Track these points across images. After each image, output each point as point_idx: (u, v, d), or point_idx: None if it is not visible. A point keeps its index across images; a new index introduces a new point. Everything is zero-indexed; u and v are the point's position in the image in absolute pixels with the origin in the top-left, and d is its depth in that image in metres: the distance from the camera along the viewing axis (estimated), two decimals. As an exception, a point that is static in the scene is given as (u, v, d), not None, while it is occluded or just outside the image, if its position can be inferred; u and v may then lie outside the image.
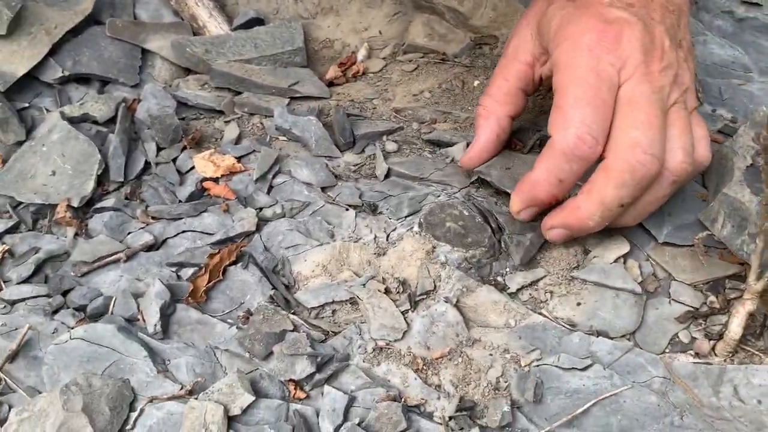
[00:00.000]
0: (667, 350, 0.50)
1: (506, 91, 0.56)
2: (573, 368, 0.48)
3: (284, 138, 0.68)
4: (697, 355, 0.49)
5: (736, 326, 0.48)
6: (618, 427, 0.46)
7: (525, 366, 0.48)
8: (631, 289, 0.52)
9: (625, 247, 0.54)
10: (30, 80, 0.70)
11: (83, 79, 0.72)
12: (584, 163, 0.49)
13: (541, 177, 0.51)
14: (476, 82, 0.72)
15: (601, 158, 0.50)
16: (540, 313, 0.51)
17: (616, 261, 0.54)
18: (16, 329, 0.53)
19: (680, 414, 0.46)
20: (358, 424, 0.46)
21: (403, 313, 0.51)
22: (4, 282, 0.57)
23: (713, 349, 0.49)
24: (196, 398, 0.47)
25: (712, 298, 0.52)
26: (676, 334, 0.50)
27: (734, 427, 0.45)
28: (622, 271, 0.53)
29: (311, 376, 0.49)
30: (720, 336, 0.50)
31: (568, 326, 0.50)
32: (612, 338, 0.50)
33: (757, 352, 0.49)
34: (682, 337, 0.50)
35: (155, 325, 0.52)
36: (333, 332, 0.52)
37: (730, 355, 0.49)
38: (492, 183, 0.57)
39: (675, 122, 0.51)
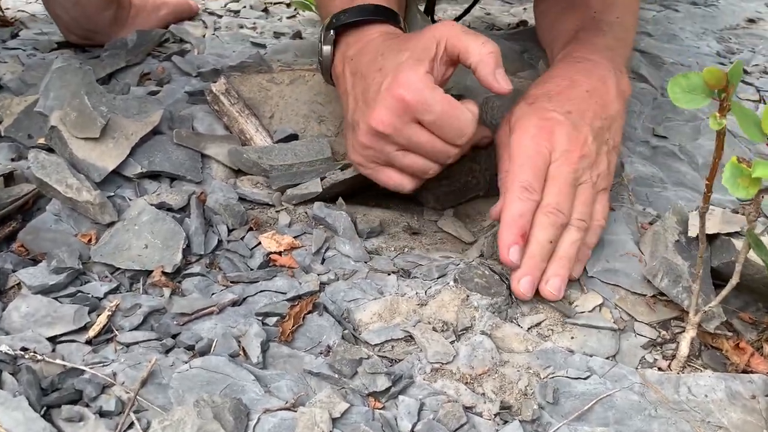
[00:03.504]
0: (638, 368, 0.69)
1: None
2: (578, 378, 0.66)
3: (322, 225, 0.86)
4: (659, 369, 0.69)
5: (684, 348, 0.69)
6: (613, 418, 0.64)
7: (544, 378, 0.66)
8: (610, 327, 0.72)
9: (599, 299, 0.75)
10: (113, 175, 0.85)
11: (155, 176, 0.88)
12: (533, 204, 0.72)
13: (507, 208, 0.72)
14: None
15: None
16: (548, 341, 0.70)
17: (593, 309, 0.74)
18: (140, 363, 0.66)
19: (655, 407, 0.65)
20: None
21: (451, 343, 0.68)
22: (118, 330, 0.70)
23: (669, 365, 0.69)
24: (303, 406, 0.62)
25: (664, 332, 0.73)
26: (643, 356, 0.70)
27: (690, 415, 0.64)
28: (600, 316, 0.73)
29: (388, 389, 0.64)
30: (673, 357, 0.70)
31: (568, 351, 0.69)
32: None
33: (698, 366, 0.69)
34: (647, 358, 0.70)
35: (258, 356, 0.67)
36: (397, 359, 0.68)
37: (682, 369, 0.69)
38: None
39: (579, 195, 0.75)
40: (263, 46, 1.16)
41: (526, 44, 1.15)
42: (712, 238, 0.77)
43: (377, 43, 0.82)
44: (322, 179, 0.87)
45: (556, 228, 0.73)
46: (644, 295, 0.76)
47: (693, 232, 0.76)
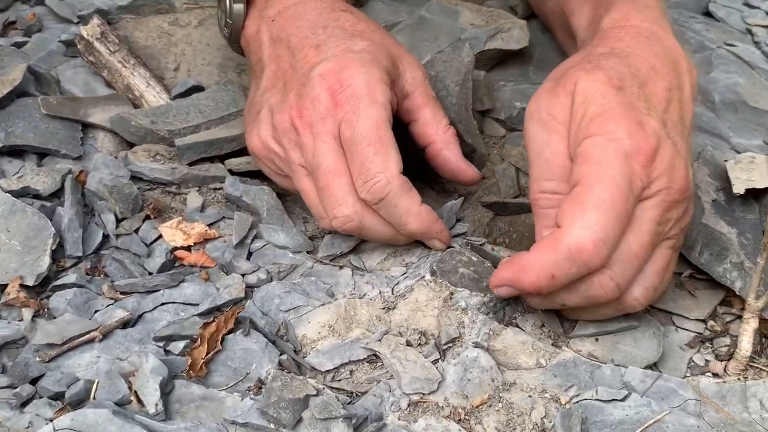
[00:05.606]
0: (687, 374, 0.51)
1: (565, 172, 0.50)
2: (613, 400, 0.47)
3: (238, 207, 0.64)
4: (715, 375, 0.51)
5: (746, 344, 0.51)
6: (665, 453, 0.46)
7: (565, 403, 0.48)
8: (647, 321, 0.53)
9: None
10: (-46, 154, 0.62)
11: (17, 152, 0.65)
12: (586, 270, 0.46)
13: (534, 265, 0.47)
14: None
15: None
16: (564, 349, 0.51)
17: (616, 297, 0.56)
18: (-23, 429, 0.44)
19: (719, 432, 0.47)
20: (414, 484, 0.42)
21: (433, 363, 0.49)
22: (-51, 378, 0.48)
23: (725, 369, 0.51)
24: (225, 480, 0.42)
25: (711, 322, 0.55)
26: (691, 359, 0.52)
27: (768, 440, 0.47)
28: (626, 306, 0.55)
29: (348, 440, 0.44)
30: (729, 356, 0.52)
31: (593, 360, 0.51)
32: (636, 369, 0.50)
33: (763, 368, 0.52)
34: (696, 360, 0.52)
35: (156, 404, 0.46)
36: (359, 393, 0.48)
37: (743, 372, 0.51)
38: None
39: (658, 260, 0.50)
40: (167, -15, 0.92)
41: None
42: (758, 194, 0.59)
43: (316, 8, 0.61)
44: (223, 161, 0.66)
45: (604, 303, 0.49)
46: (679, 274, 0.58)
47: (738, 187, 0.58)
